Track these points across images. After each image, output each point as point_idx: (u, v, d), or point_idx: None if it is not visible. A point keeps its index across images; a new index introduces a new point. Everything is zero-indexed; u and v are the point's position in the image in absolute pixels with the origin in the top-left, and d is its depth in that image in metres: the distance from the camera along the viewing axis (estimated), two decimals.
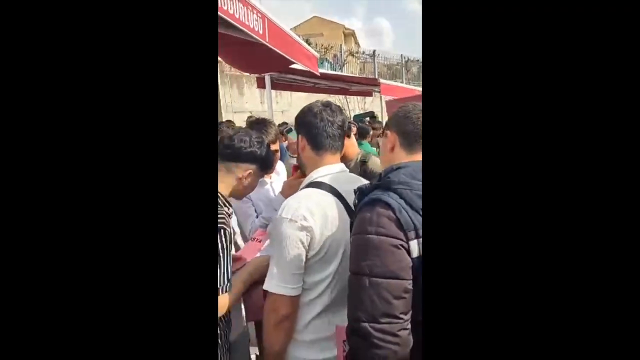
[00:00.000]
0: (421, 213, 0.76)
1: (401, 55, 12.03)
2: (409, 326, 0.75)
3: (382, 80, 7.00)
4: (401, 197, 0.77)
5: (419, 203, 0.76)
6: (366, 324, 0.72)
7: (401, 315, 0.73)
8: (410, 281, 0.75)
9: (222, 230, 1.01)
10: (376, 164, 2.04)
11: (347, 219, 0.97)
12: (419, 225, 0.75)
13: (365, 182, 0.99)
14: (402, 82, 10.40)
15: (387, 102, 3.25)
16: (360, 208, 0.83)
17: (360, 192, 0.87)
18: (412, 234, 0.75)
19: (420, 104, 0.92)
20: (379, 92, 7.05)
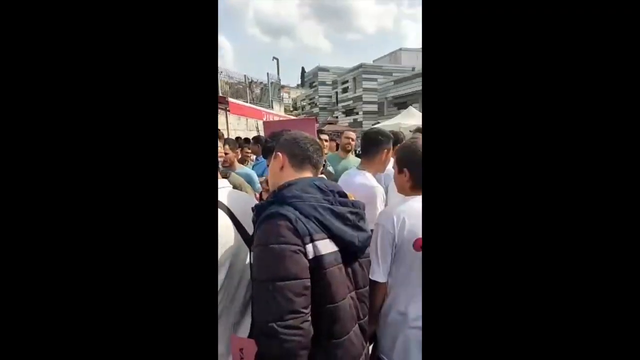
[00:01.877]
0: (314, 220, 0.92)
1: (245, 75, 12.41)
2: (310, 318, 0.88)
3: (230, 99, 7.02)
4: (295, 209, 0.92)
5: (311, 212, 0.92)
6: (273, 324, 0.81)
7: (303, 310, 0.86)
8: (308, 279, 0.89)
9: None
10: (236, 178, 2.16)
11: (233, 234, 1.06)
12: (312, 231, 0.91)
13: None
14: (246, 102, 10.71)
15: (265, 123, 3.28)
16: (260, 222, 0.92)
17: (257, 209, 0.97)
18: (307, 239, 0.90)
19: (307, 134, 1.10)
20: (226, 109, 7.01)
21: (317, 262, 0.91)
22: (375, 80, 28.41)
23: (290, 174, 1.05)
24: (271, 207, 0.94)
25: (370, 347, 1.25)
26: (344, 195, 1.05)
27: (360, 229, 1.04)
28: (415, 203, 1.23)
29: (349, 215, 1.01)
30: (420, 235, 1.18)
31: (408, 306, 1.23)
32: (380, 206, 1.69)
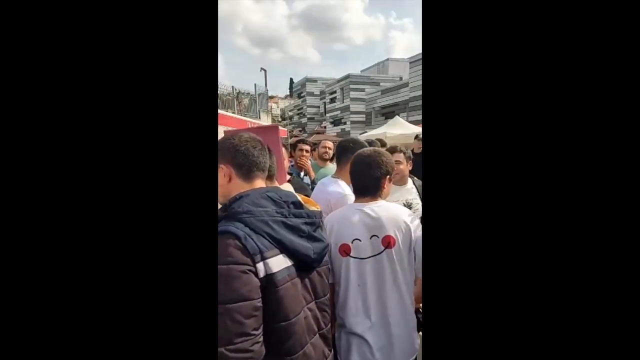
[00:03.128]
0: (265, 236, 0.88)
1: (232, 86, 12.42)
2: (261, 339, 0.84)
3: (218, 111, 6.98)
4: (246, 225, 0.88)
5: (263, 227, 0.89)
6: (222, 349, 0.78)
7: (253, 332, 0.82)
8: (260, 299, 0.85)
9: None
10: None
11: None
12: (264, 247, 0.87)
13: None
14: (234, 113, 10.68)
15: (226, 132, 3.19)
16: None
17: None
18: (257, 257, 0.86)
19: (247, 133, 1.03)
20: None
21: (269, 280, 0.87)
22: (363, 90, 28.75)
23: (240, 186, 1.00)
24: (221, 223, 0.90)
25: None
26: (300, 206, 1.02)
27: (315, 239, 1.01)
28: (350, 211, 1.29)
29: (303, 226, 0.98)
30: (345, 241, 1.23)
31: (340, 312, 1.27)
32: None
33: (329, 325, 1.10)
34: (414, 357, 1.29)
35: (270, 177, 1.11)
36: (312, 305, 1.03)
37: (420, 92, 22.43)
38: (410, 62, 23.40)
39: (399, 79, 27.80)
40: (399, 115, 13.74)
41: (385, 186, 1.31)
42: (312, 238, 1.00)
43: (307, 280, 1.01)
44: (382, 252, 1.21)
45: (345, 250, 1.23)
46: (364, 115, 28.37)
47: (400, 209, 1.32)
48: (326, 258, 1.08)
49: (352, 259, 1.24)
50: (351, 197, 1.74)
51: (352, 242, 1.23)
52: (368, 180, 1.29)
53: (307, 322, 0.98)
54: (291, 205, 0.99)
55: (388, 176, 1.31)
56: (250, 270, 0.85)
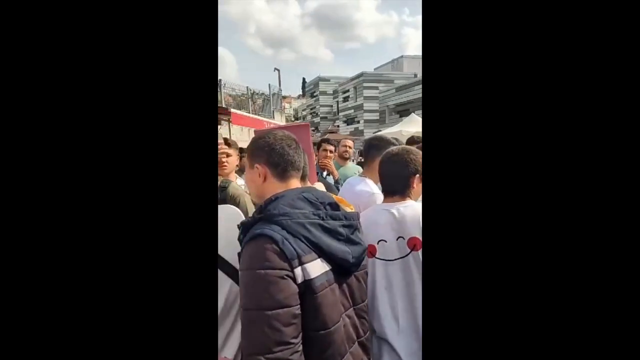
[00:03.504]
0: (303, 239, 0.83)
1: (247, 87, 12.51)
2: (300, 348, 0.79)
3: (232, 110, 7.04)
4: (283, 228, 0.83)
5: (300, 230, 0.84)
6: (260, 357, 0.73)
7: (292, 340, 0.77)
8: (298, 306, 0.80)
9: None
10: (236, 189, 2.05)
11: None
12: (302, 252, 0.82)
13: None
14: (248, 113, 10.76)
15: (256, 132, 3.17)
16: (245, 243, 0.84)
17: (244, 227, 0.89)
18: (295, 262, 0.81)
19: (281, 131, 0.99)
20: (228, 120, 7.02)
21: (307, 286, 0.82)
22: (377, 88, 28.53)
23: (275, 186, 0.95)
24: (256, 225, 0.85)
25: None
26: (336, 207, 0.96)
27: (353, 242, 0.95)
28: (377, 211, 1.27)
29: (341, 229, 0.92)
30: (370, 241, 1.18)
31: (369, 315, 1.22)
32: None
33: (368, 333, 1.04)
34: None
35: (303, 177, 1.06)
36: (351, 312, 0.97)
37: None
38: None
39: (413, 76, 27.45)
40: (414, 113, 13.54)
41: (415, 185, 1.25)
42: (350, 241, 0.94)
43: (345, 285, 0.96)
44: (408, 254, 1.17)
45: (370, 252, 1.18)
46: (377, 114, 28.16)
47: None
48: (364, 262, 1.02)
49: (377, 260, 1.20)
50: (380, 196, 1.67)
51: (377, 243, 1.20)
52: (396, 179, 1.25)
53: (346, 330, 0.93)
54: (328, 207, 0.94)
55: (417, 175, 1.25)
56: (288, 276, 0.80)
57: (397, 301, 1.18)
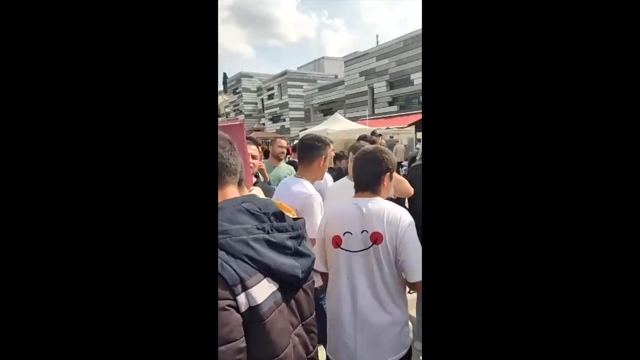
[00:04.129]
0: (246, 259, 0.71)
1: None
2: None
3: None
4: (222, 249, 0.70)
5: (242, 249, 0.71)
6: None
7: None
8: (243, 338, 0.68)
9: None
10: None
11: None
12: (245, 275, 0.70)
13: None
14: None
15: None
16: None
17: None
18: (238, 288, 0.69)
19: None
20: None
21: (253, 313, 0.71)
22: (301, 87, 28.80)
23: None
24: None
25: None
26: (282, 217, 0.86)
27: (302, 254, 0.86)
28: (346, 204, 1.31)
29: (288, 242, 0.82)
30: (337, 232, 1.27)
31: (328, 299, 1.33)
32: (318, 214, 1.57)
33: (316, 349, 0.97)
34: (404, 351, 1.28)
35: (240, 183, 0.93)
36: (300, 329, 0.89)
37: (355, 90, 23.31)
38: (345, 61, 24.06)
39: (334, 77, 28.41)
40: (337, 112, 14.00)
41: (386, 183, 1.33)
42: (298, 254, 0.85)
43: (293, 301, 0.86)
44: (370, 247, 1.23)
45: (336, 242, 1.27)
46: (303, 112, 28.43)
47: (395, 207, 1.30)
48: (312, 274, 0.94)
49: (342, 250, 1.26)
50: (317, 197, 1.62)
51: (343, 235, 1.26)
52: (368, 175, 1.31)
53: (296, 351, 0.84)
54: (272, 218, 0.82)
55: (388, 173, 1.33)
56: (230, 306, 0.67)
57: (356, 289, 1.25)
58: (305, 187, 1.66)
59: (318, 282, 1.64)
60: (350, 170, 2.01)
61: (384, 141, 5.08)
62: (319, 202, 1.63)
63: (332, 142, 2.61)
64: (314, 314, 0.97)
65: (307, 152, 1.72)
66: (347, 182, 2.00)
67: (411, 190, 1.87)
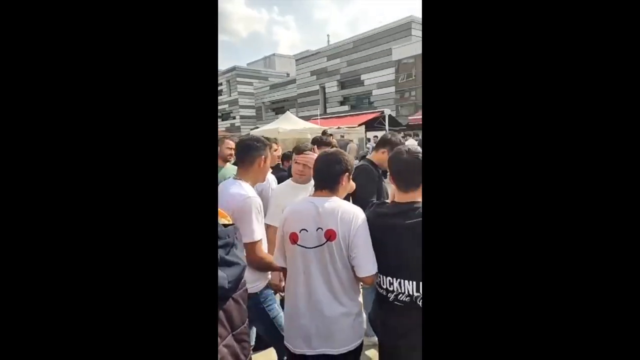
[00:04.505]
0: None
1: None
2: None
3: None
4: None
5: None
6: None
7: None
8: None
9: None
10: None
11: None
12: None
13: None
14: None
15: None
16: None
17: None
18: None
19: None
20: None
21: None
22: (251, 84, 28.16)
23: None
24: None
25: None
26: None
27: (229, 263, 0.83)
28: (304, 203, 1.37)
29: (218, 251, 0.79)
30: (294, 229, 1.32)
31: (287, 293, 1.38)
32: (256, 217, 1.53)
33: (250, 355, 0.95)
34: (358, 341, 1.35)
35: None
36: (229, 340, 0.86)
37: (306, 89, 23.35)
38: (296, 60, 24.01)
39: (286, 75, 28.23)
40: (289, 111, 13.94)
41: (344, 182, 1.39)
42: (226, 264, 0.81)
43: (221, 312, 0.83)
44: (324, 243, 1.29)
45: (293, 239, 1.33)
46: (254, 110, 27.85)
47: (349, 205, 1.35)
48: (244, 280, 0.92)
49: (298, 247, 1.32)
50: (255, 199, 1.59)
51: (300, 232, 1.31)
52: (327, 175, 1.37)
53: None
54: None
55: (347, 173, 1.40)
56: None
57: (311, 284, 1.31)
58: (244, 189, 1.60)
59: (258, 286, 1.61)
60: (293, 172, 2.00)
61: (335, 141, 5.18)
62: (257, 204, 1.59)
63: (275, 142, 2.57)
64: (247, 322, 0.94)
65: (246, 153, 1.67)
66: (290, 184, 1.98)
67: (354, 185, 1.92)
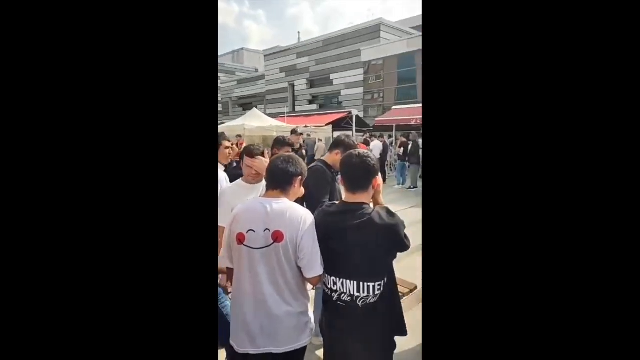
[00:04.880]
0: None
1: None
2: None
3: None
4: None
5: None
6: None
7: None
8: None
9: None
10: None
11: None
12: None
13: None
14: None
15: None
16: None
17: None
18: None
19: None
20: None
21: None
22: (218, 78, 27.40)
23: None
24: None
25: None
26: None
27: None
28: (253, 203, 1.38)
29: None
30: (241, 229, 1.33)
31: (234, 292, 1.38)
32: None
33: None
34: (301, 342, 1.35)
35: None
36: None
37: (275, 86, 23.13)
38: (265, 55, 23.68)
39: (254, 70, 27.76)
40: (256, 108, 13.73)
41: (296, 185, 1.41)
42: None
43: None
44: (271, 244, 1.29)
45: (239, 239, 1.32)
46: (220, 105, 27.11)
47: (299, 208, 1.37)
48: None
49: (244, 247, 1.32)
50: None
51: (247, 232, 1.31)
52: (280, 176, 1.38)
53: None
54: None
55: (300, 177, 1.41)
56: None
57: (257, 284, 1.31)
58: None
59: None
60: (244, 172, 1.96)
61: (302, 140, 5.17)
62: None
63: (227, 140, 2.51)
64: None
65: None
66: (241, 184, 1.94)
67: (303, 191, 1.92)
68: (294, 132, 5.47)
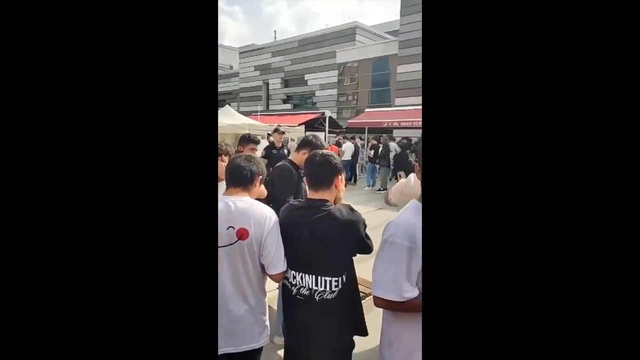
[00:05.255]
0: None
1: None
2: None
3: None
4: None
5: None
6: None
7: None
8: None
9: None
10: None
11: None
12: None
13: None
14: None
15: None
16: None
17: None
18: None
19: None
20: None
21: None
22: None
23: None
24: None
25: None
26: None
27: None
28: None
29: None
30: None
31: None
32: None
33: None
34: (259, 341, 1.37)
35: None
36: None
37: (249, 84, 22.78)
38: (240, 52, 23.29)
39: (229, 67, 27.23)
40: (229, 105, 13.48)
41: (257, 184, 1.43)
42: None
43: None
44: (235, 242, 1.29)
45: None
46: None
47: (262, 206, 1.38)
48: None
49: None
50: None
51: None
52: (242, 174, 1.39)
53: None
54: None
55: (261, 177, 1.44)
56: None
57: (221, 283, 1.30)
58: None
59: None
60: None
61: (279, 137, 5.14)
62: None
63: None
64: None
65: None
66: None
67: (265, 192, 1.93)
68: (276, 130, 5.44)
